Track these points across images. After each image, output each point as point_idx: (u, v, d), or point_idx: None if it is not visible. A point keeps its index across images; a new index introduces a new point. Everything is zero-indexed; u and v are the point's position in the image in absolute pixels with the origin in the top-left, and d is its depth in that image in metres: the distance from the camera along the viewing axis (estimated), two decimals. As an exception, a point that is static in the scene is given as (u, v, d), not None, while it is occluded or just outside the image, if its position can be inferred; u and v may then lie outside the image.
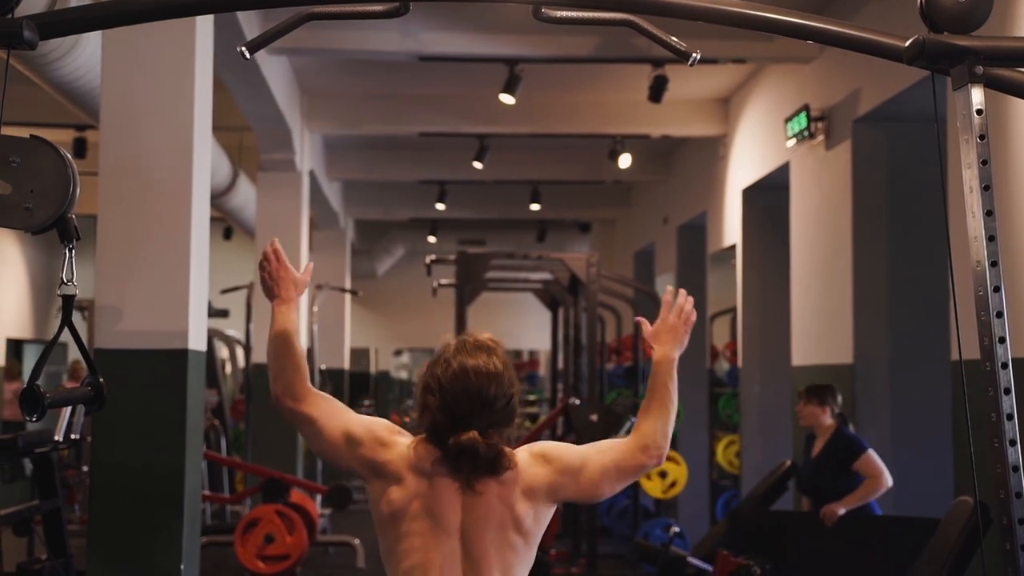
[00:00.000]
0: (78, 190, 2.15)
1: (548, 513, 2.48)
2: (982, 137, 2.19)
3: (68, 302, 2.27)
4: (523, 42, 6.65)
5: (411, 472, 2.40)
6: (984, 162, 2.19)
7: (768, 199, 8.07)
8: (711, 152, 9.16)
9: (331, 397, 2.53)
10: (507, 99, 7.13)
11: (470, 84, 8.23)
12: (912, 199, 6.07)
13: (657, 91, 7.04)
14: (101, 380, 2.43)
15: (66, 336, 2.32)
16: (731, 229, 8.61)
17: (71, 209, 2.16)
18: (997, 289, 2.18)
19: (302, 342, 2.52)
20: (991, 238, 2.19)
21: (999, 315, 2.18)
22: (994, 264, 2.19)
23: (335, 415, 2.47)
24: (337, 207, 11.40)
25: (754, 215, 8.27)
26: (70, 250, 2.23)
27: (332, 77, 8.19)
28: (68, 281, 2.25)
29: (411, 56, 6.89)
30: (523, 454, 2.47)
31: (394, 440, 2.45)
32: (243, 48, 2.57)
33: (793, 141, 6.89)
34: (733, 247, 8.52)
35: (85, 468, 7.85)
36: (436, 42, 6.65)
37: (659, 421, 2.56)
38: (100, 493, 4.34)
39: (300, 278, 2.61)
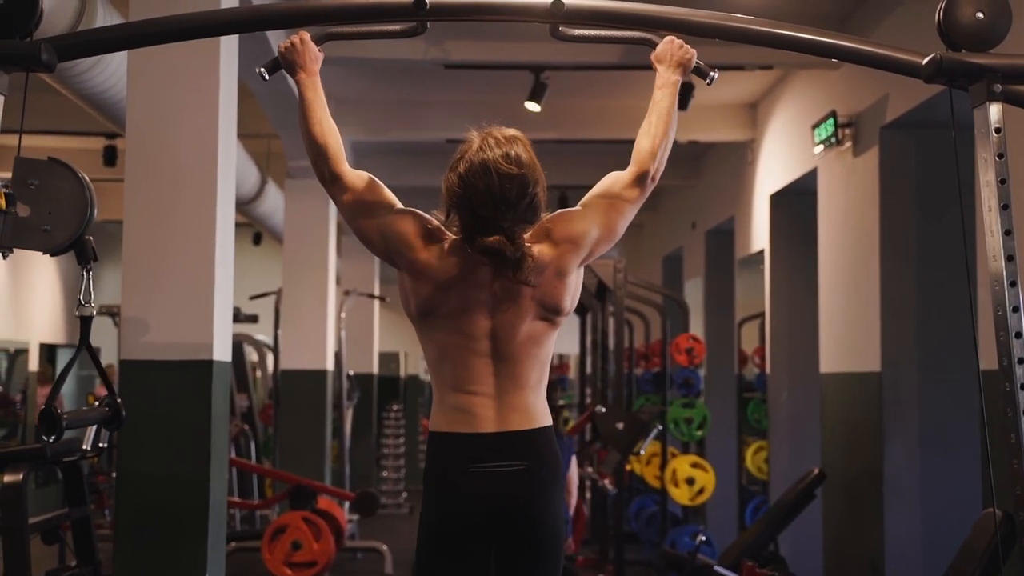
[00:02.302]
0: (95, 212, 2.17)
1: (580, 279, 2.57)
2: (1000, 156, 2.18)
3: (86, 323, 2.30)
4: (548, 50, 6.64)
5: (441, 273, 2.46)
6: (1003, 181, 2.18)
7: (796, 205, 8.03)
8: (739, 157, 9.12)
9: (369, 180, 2.56)
10: (533, 107, 7.12)
11: (496, 91, 8.23)
12: (940, 206, 6.02)
13: (683, 98, 6.99)
14: (119, 400, 2.46)
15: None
16: (759, 235, 8.57)
17: (88, 231, 2.18)
18: (1016, 309, 2.17)
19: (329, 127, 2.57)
20: (1010, 257, 2.17)
21: (1018, 335, 2.16)
22: (1013, 284, 2.17)
23: (371, 205, 2.52)
24: (365, 212, 11.45)
25: (782, 221, 8.23)
26: (88, 271, 2.24)
27: (359, 84, 8.21)
28: (85, 302, 2.27)
29: (436, 64, 6.90)
30: (545, 242, 2.51)
31: (426, 239, 2.49)
32: (261, 69, 2.59)
33: (820, 147, 6.85)
34: (761, 253, 8.48)
35: (115, 474, 7.91)
36: (461, 50, 6.66)
37: (659, 143, 2.65)
38: (125, 502, 4.37)
39: (318, 53, 2.64)
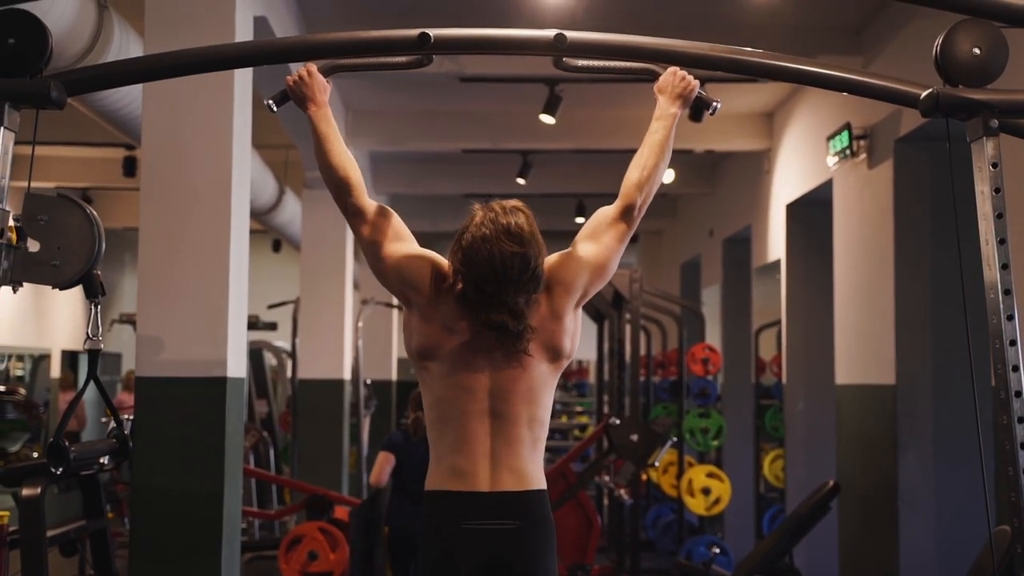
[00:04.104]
0: (103, 247, 2.21)
1: (578, 323, 2.61)
2: (997, 190, 2.19)
3: (94, 356, 2.33)
4: (562, 63, 6.66)
5: (448, 323, 2.50)
6: (999, 215, 2.19)
7: (812, 215, 8.03)
8: (756, 166, 9.12)
9: (390, 217, 2.61)
10: (547, 119, 7.15)
11: (511, 102, 8.26)
12: (953, 221, 6.00)
13: (697, 111, 7.02)
14: (126, 432, 2.50)
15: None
16: (775, 244, 8.57)
17: (97, 265, 2.22)
18: (1013, 343, 2.18)
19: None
20: (1007, 291, 2.19)
21: (1015, 369, 2.18)
22: (1010, 318, 2.18)
23: (391, 243, 2.57)
24: (384, 220, 11.46)
25: (798, 231, 8.22)
26: (96, 305, 2.29)
27: (376, 96, 8.26)
28: (93, 336, 2.32)
29: (452, 77, 6.93)
30: (545, 288, 2.55)
31: (440, 288, 2.53)
32: (270, 102, 2.63)
33: (835, 159, 6.85)
34: (778, 262, 8.47)
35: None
36: (476, 64, 6.69)
37: (648, 176, 2.67)
38: (141, 516, 4.42)
39: (326, 84, 2.67)
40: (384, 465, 6.15)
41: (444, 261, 2.59)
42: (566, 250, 2.65)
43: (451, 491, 2.48)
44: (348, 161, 2.60)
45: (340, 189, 2.59)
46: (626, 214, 2.65)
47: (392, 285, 2.58)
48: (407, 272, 2.55)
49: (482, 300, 2.46)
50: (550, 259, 2.61)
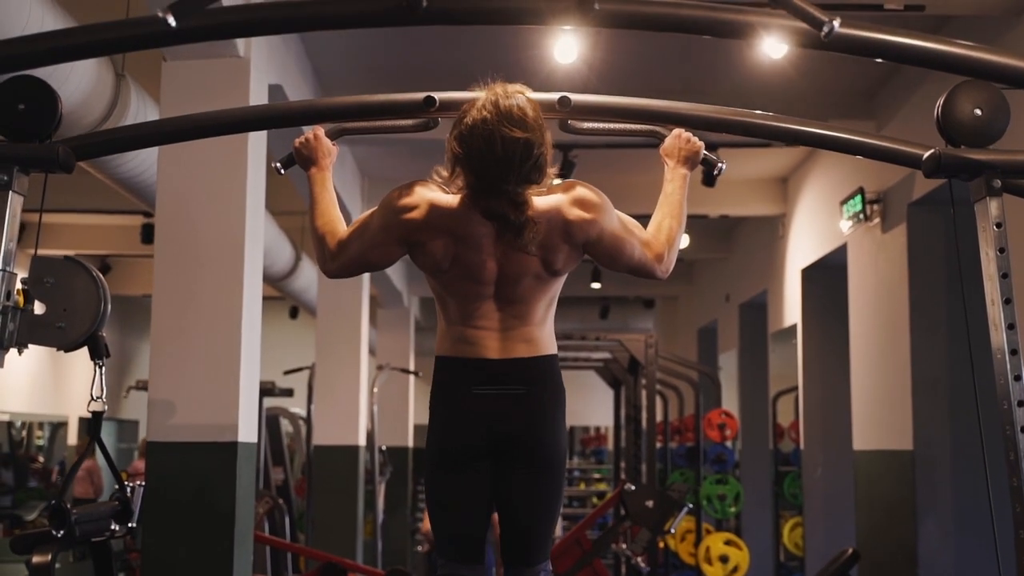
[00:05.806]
0: (109, 309, 2.22)
1: (577, 257, 2.55)
2: (1001, 250, 2.18)
3: (97, 418, 2.34)
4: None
5: (448, 231, 2.47)
6: (1004, 275, 2.18)
7: (827, 280, 8.01)
8: (771, 231, 9.13)
9: (354, 230, 2.58)
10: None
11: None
12: (969, 283, 5.98)
13: (707, 174, 7.02)
14: (129, 495, 2.50)
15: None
16: (791, 309, 8.55)
17: (102, 328, 2.23)
18: (1021, 404, 2.16)
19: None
20: (1013, 351, 2.17)
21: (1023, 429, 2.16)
22: (1018, 378, 2.17)
23: (368, 243, 2.54)
24: (400, 286, 11.52)
25: (813, 296, 8.21)
26: (99, 367, 2.29)
27: (392, 161, 8.32)
28: (97, 398, 2.32)
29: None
30: (563, 198, 2.51)
31: (424, 206, 2.48)
32: (277, 164, 2.66)
33: (849, 223, 6.85)
34: (794, 327, 8.44)
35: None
36: (490, 129, 6.73)
37: (673, 238, 2.66)
38: (151, 584, 4.40)
39: (332, 148, 2.69)
40: None
41: (423, 185, 2.53)
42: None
43: (461, 357, 2.49)
44: (332, 220, 2.61)
45: (320, 244, 2.60)
46: (652, 250, 2.62)
47: (405, 247, 2.53)
48: (414, 236, 2.50)
49: (482, 188, 2.41)
50: (594, 190, 2.57)
